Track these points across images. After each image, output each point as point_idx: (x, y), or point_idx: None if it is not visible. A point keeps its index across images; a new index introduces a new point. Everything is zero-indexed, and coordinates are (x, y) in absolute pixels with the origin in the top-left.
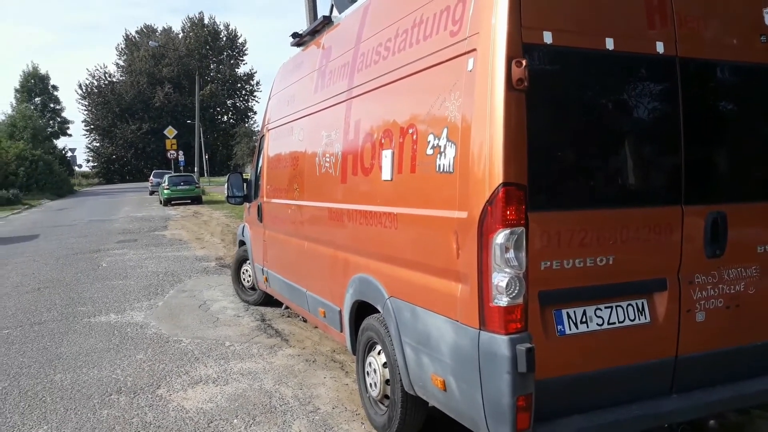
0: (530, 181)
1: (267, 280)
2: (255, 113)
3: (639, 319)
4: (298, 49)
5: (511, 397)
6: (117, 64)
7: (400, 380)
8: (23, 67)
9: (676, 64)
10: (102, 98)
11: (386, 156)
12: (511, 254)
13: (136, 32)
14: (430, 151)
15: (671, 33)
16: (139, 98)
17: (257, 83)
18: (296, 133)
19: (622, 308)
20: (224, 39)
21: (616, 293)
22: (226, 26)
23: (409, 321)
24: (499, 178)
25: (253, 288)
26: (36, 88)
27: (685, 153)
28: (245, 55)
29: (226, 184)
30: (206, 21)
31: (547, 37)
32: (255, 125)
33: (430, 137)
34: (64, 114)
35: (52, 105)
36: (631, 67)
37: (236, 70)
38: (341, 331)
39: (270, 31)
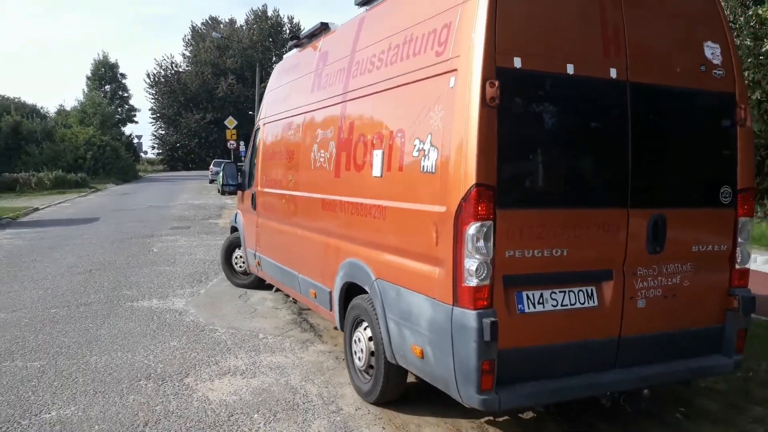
0: (499, 183)
1: (259, 264)
2: None
3: (588, 303)
4: (294, 51)
5: (477, 361)
6: (183, 54)
7: (384, 352)
8: (94, 55)
9: (626, 87)
10: (168, 87)
11: (377, 155)
12: (480, 243)
13: (202, 24)
14: (415, 154)
15: (623, 61)
16: (204, 88)
17: None
18: (293, 129)
19: (574, 293)
20: (287, 32)
21: (568, 280)
22: (290, 19)
23: (393, 300)
24: (472, 179)
25: (245, 273)
26: (106, 75)
27: (631, 163)
28: None
29: (221, 174)
30: (270, 14)
31: (517, 62)
32: None
33: (416, 141)
34: (131, 102)
35: (120, 93)
36: (588, 89)
37: None
38: (330, 309)
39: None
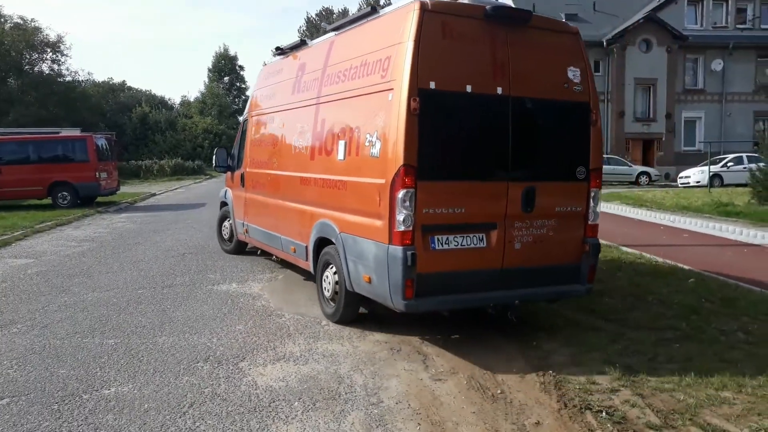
0: (418, 164)
1: (247, 232)
2: None
3: (479, 244)
4: (278, 57)
5: (402, 279)
6: None
7: (345, 283)
8: (216, 48)
9: (509, 99)
10: None
11: (341, 144)
12: (407, 203)
13: (316, 15)
14: (367, 144)
15: (507, 82)
16: None
17: None
18: (276, 122)
19: (469, 237)
20: None
21: (466, 229)
22: None
23: (351, 245)
24: (401, 161)
25: (230, 240)
26: (225, 68)
27: (511, 151)
28: None
29: (213, 157)
30: (382, 2)
31: (432, 85)
32: None
33: (367, 135)
34: (248, 93)
35: (238, 84)
36: (481, 101)
37: None
38: (306, 260)
39: None
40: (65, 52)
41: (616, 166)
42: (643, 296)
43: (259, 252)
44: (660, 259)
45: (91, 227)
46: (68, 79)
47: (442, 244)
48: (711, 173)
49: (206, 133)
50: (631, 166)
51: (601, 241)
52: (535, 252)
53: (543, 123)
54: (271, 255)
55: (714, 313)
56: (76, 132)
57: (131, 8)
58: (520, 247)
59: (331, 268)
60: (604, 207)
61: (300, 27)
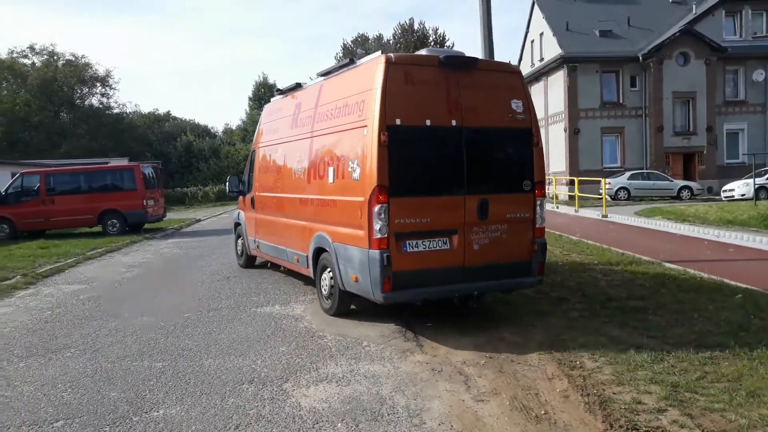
0: (390, 184)
1: (258, 247)
2: None
3: (444, 247)
4: (279, 96)
5: (381, 276)
6: None
7: (338, 283)
8: (255, 77)
9: (462, 130)
10: None
11: (331, 170)
12: (381, 216)
13: (352, 41)
14: (350, 169)
15: (460, 116)
16: None
17: None
18: (279, 152)
19: (435, 241)
20: (432, 44)
21: (432, 235)
22: (435, 30)
23: (342, 252)
24: (375, 182)
25: (241, 255)
26: (265, 95)
27: (466, 171)
28: None
29: (227, 183)
30: (416, 26)
31: (398, 121)
32: None
33: (350, 162)
34: None
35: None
36: (438, 132)
37: None
38: (308, 267)
39: (475, 31)
40: (113, 86)
41: (656, 181)
42: (689, 313)
43: (269, 265)
44: (705, 275)
45: (139, 253)
46: (116, 111)
47: (412, 247)
48: (756, 185)
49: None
50: (672, 181)
51: (643, 258)
52: (491, 251)
53: (492, 146)
54: (279, 267)
55: (764, 329)
56: (123, 162)
57: (172, 40)
58: (478, 248)
59: (328, 271)
60: (645, 223)
61: (336, 54)
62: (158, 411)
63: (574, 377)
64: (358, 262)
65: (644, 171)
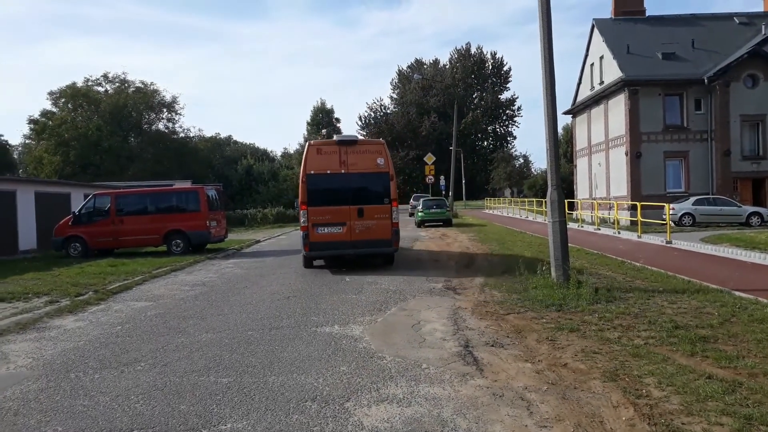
0: (308, 201)
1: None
2: (514, 138)
3: (339, 231)
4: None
5: (304, 243)
6: (391, 97)
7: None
8: (313, 102)
9: (348, 174)
10: (377, 128)
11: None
12: (304, 215)
13: (408, 67)
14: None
15: (347, 167)
16: (408, 127)
17: (518, 108)
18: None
19: (334, 228)
20: (490, 68)
21: (331, 225)
22: (493, 55)
23: (301, 236)
24: (304, 202)
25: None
26: (323, 120)
27: (351, 193)
28: (509, 81)
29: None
30: (473, 51)
31: (312, 171)
32: (514, 150)
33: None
34: None
35: (334, 135)
36: (334, 176)
37: (499, 96)
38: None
39: (533, 55)
40: (179, 111)
41: (723, 207)
42: (763, 343)
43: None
44: None
45: (202, 272)
46: (181, 135)
47: (320, 230)
48: None
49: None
50: (740, 207)
51: (711, 286)
52: (365, 234)
53: (365, 181)
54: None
55: None
56: (187, 184)
57: (236, 68)
58: (358, 232)
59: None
60: (712, 250)
61: (393, 79)
62: (226, 425)
63: (641, 406)
64: (302, 238)
65: (710, 196)
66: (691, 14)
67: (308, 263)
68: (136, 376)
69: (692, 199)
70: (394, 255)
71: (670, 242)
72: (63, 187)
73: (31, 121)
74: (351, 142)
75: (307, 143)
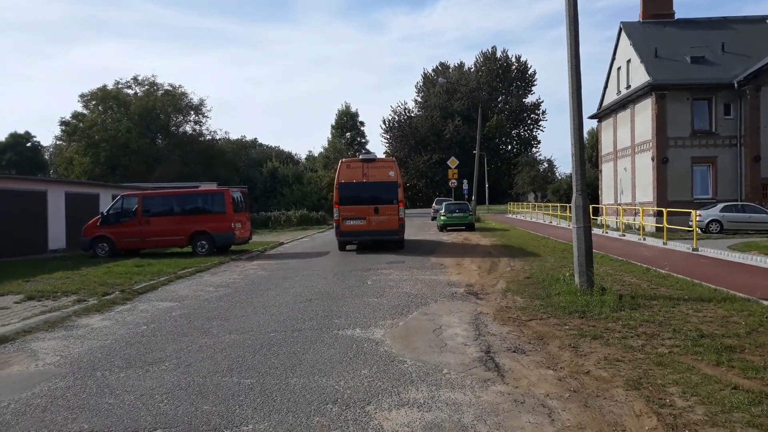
0: (340, 201)
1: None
2: (539, 142)
3: (362, 223)
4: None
5: (336, 231)
6: (415, 100)
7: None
8: (338, 106)
9: (369, 182)
10: (401, 132)
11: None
12: (338, 212)
13: (432, 70)
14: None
15: (368, 177)
16: (432, 131)
17: (543, 112)
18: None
19: (358, 221)
20: (515, 71)
21: (356, 219)
22: (518, 58)
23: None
24: (336, 201)
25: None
26: (347, 124)
27: (369, 196)
28: (533, 85)
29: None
30: (498, 55)
31: (343, 180)
32: (538, 154)
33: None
34: (368, 147)
35: (359, 139)
36: (359, 184)
37: (523, 100)
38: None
39: (558, 59)
40: (206, 114)
41: (752, 214)
42: None
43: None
44: None
45: (226, 274)
46: (208, 137)
47: (348, 222)
48: None
49: (330, 186)
50: None
51: (738, 294)
52: (380, 225)
53: (380, 188)
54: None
55: None
56: (213, 186)
57: (262, 72)
58: (375, 224)
59: None
60: (739, 258)
61: (417, 83)
62: (248, 426)
63: (664, 415)
64: (335, 227)
65: (739, 203)
66: (721, 17)
67: (342, 247)
68: (160, 375)
69: (720, 205)
70: (403, 240)
71: (696, 249)
72: (92, 187)
73: (63, 122)
74: (371, 159)
75: (339, 161)
